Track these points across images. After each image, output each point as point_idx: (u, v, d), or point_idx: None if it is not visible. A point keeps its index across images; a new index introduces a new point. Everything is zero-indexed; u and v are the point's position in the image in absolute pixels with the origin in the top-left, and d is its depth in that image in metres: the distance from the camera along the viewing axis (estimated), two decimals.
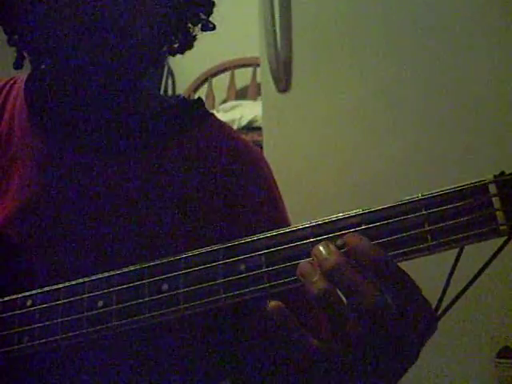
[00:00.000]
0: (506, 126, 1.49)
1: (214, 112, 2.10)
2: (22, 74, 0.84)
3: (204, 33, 0.83)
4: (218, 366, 0.80)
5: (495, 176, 0.53)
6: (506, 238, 0.53)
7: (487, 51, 1.53)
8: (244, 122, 2.61)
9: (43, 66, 0.79)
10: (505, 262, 1.34)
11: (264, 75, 1.87)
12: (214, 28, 0.82)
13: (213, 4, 0.82)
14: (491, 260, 0.54)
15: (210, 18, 0.83)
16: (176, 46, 0.82)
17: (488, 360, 1.52)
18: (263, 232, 0.58)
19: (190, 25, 0.81)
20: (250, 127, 2.57)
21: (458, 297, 0.55)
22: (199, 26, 0.82)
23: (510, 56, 1.51)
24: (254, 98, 2.86)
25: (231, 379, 0.81)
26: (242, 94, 2.99)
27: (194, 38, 0.82)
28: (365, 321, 0.53)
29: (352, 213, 0.56)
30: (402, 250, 0.54)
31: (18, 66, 0.78)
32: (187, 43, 0.82)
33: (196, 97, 0.89)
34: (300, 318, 0.61)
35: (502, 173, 0.53)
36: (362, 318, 0.53)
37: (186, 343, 0.77)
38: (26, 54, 0.78)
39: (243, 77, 2.98)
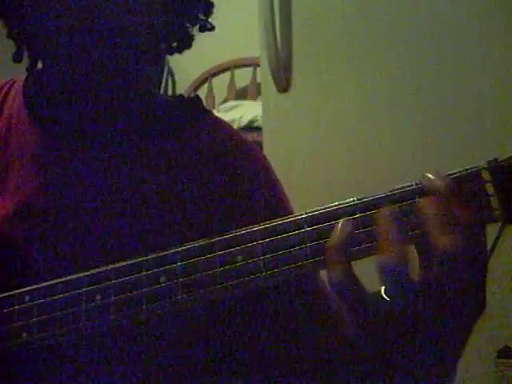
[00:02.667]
0: (507, 126, 1.49)
1: (214, 112, 2.10)
2: (22, 76, 0.84)
3: (204, 33, 0.84)
4: (228, 364, 0.80)
5: (488, 162, 0.54)
6: (501, 226, 0.54)
7: (488, 51, 1.53)
8: (244, 122, 2.61)
9: (41, 65, 0.80)
10: (504, 261, 1.34)
11: (264, 75, 1.87)
12: (212, 29, 0.83)
13: (212, 5, 0.82)
14: (493, 247, 0.55)
15: (211, 19, 0.83)
16: (174, 45, 0.82)
17: (488, 360, 1.51)
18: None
19: (188, 25, 0.82)
20: (250, 127, 2.57)
21: None
22: (198, 26, 0.83)
23: (511, 56, 1.51)
24: (254, 98, 2.86)
25: (242, 378, 0.82)
26: (242, 94, 2.99)
27: (192, 37, 0.83)
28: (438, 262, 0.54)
29: (346, 202, 0.57)
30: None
31: (17, 58, 0.78)
32: (185, 43, 0.82)
33: None
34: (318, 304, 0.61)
35: (495, 159, 0.54)
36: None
37: (192, 340, 0.77)
38: (24, 49, 0.78)
39: (243, 77, 2.99)
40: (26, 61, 0.80)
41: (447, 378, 0.61)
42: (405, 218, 0.55)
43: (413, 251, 0.56)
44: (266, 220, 0.60)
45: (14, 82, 0.84)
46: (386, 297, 0.55)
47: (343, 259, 0.55)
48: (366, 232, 0.56)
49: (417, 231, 0.55)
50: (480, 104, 1.54)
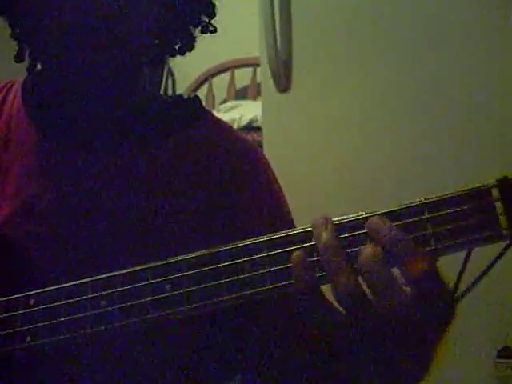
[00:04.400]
0: (506, 127, 1.49)
1: (214, 112, 2.10)
2: (21, 77, 0.84)
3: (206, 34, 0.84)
4: (227, 363, 0.80)
5: (498, 180, 0.53)
6: (507, 245, 0.53)
7: (487, 52, 1.53)
8: (244, 122, 2.60)
9: (39, 66, 0.80)
10: (504, 262, 1.34)
11: (264, 75, 1.87)
12: (215, 31, 0.83)
13: (215, 7, 0.82)
14: (492, 265, 0.54)
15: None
16: (177, 47, 0.82)
17: (488, 360, 1.51)
18: (264, 227, 0.58)
19: (191, 27, 0.82)
20: (250, 127, 2.57)
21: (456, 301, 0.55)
22: (200, 28, 0.83)
23: (510, 57, 1.51)
24: (254, 98, 2.86)
25: (241, 377, 0.82)
26: (241, 94, 2.99)
27: (195, 40, 0.83)
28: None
29: (354, 216, 0.56)
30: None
31: (18, 59, 0.78)
32: (188, 45, 0.82)
33: None
34: None
35: (505, 177, 0.53)
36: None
37: (192, 340, 0.77)
38: (26, 49, 0.78)
39: (243, 77, 2.98)
40: (25, 62, 0.80)
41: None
42: (410, 236, 0.54)
43: None
44: (266, 225, 0.60)
45: (14, 83, 0.84)
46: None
47: (349, 268, 0.55)
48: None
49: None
50: (482, 104, 1.54)
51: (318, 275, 0.55)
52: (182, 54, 0.83)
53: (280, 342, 0.77)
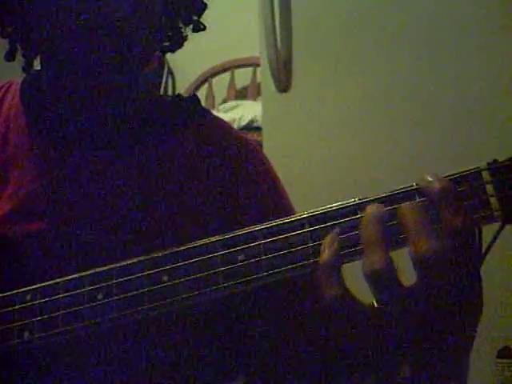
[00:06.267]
0: (507, 127, 1.49)
1: (214, 112, 2.09)
2: (19, 78, 0.85)
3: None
4: (229, 364, 0.80)
5: (488, 163, 0.55)
6: (500, 226, 0.54)
7: (487, 52, 1.54)
8: (244, 122, 2.61)
9: (39, 67, 0.80)
10: (504, 262, 1.34)
11: (264, 75, 1.87)
12: (204, 29, 0.83)
13: (205, 6, 0.83)
14: (489, 248, 0.55)
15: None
16: (167, 44, 0.83)
17: (488, 360, 1.51)
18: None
19: (181, 25, 0.82)
20: (250, 127, 2.57)
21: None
22: (190, 26, 0.83)
23: (510, 56, 1.51)
24: (254, 98, 2.87)
25: (243, 378, 0.82)
26: (241, 94, 3.00)
27: (185, 38, 0.83)
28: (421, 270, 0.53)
29: (347, 202, 0.57)
30: (398, 237, 0.55)
31: (9, 58, 0.78)
32: (178, 43, 0.83)
33: None
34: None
35: (495, 160, 0.55)
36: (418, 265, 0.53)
37: (193, 340, 0.77)
38: (18, 47, 0.78)
39: (243, 77, 2.99)
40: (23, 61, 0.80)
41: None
42: (395, 221, 0.55)
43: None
44: (268, 218, 0.60)
45: (12, 84, 0.84)
46: (378, 305, 0.54)
47: (337, 277, 0.55)
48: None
49: (402, 235, 0.55)
50: (480, 103, 1.54)
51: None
52: (172, 51, 0.84)
53: (281, 341, 0.77)
